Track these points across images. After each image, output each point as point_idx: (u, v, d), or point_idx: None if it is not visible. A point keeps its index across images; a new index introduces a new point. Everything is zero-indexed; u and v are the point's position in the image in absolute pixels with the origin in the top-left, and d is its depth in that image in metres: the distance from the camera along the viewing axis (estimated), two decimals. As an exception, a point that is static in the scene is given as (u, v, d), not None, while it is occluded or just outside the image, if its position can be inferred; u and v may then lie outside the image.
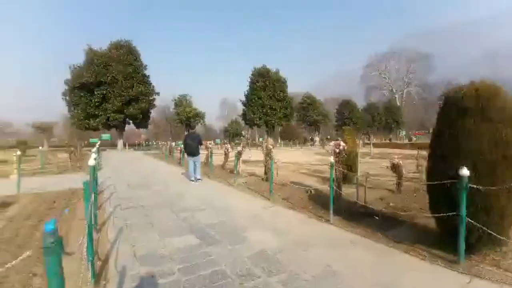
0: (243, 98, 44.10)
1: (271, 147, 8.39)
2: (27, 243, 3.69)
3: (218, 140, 40.00)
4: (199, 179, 8.74)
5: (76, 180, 7.51)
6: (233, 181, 8.12)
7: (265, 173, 8.44)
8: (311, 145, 42.47)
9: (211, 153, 11.61)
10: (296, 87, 63.43)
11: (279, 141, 43.81)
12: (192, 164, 8.77)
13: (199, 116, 41.02)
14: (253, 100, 41.76)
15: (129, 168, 12.68)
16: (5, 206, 5.52)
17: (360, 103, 61.93)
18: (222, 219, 4.61)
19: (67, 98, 31.45)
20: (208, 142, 15.33)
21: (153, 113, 41.70)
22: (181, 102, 41.14)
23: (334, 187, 4.89)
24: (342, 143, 5.68)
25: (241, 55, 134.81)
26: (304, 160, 15.96)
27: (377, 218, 4.45)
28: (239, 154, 9.70)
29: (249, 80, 43.42)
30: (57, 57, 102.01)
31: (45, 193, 6.83)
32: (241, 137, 66.86)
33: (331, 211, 4.44)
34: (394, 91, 69.49)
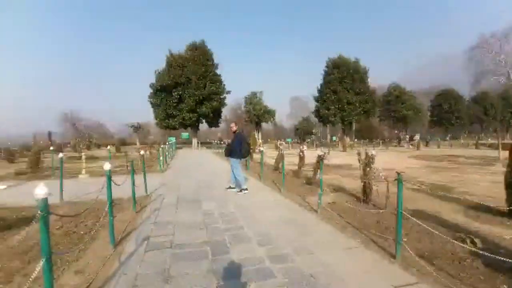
0: (316, 94, 40.45)
1: (373, 153, 5.43)
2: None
3: (289, 139, 37.53)
4: (244, 190, 6.79)
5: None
6: (315, 201, 5.52)
7: (364, 191, 5.53)
8: (397, 145, 35.57)
9: (282, 156, 9.30)
10: (377, 79, 55.25)
11: (354, 139, 38.35)
12: (239, 170, 7.05)
13: (269, 113, 39.44)
14: (327, 95, 37.67)
15: (190, 171, 11.51)
16: (22, 224, 4.38)
17: (462, 94, 49.52)
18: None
19: (152, 100, 34.42)
20: (279, 141, 13.01)
21: (225, 112, 42.47)
22: (252, 100, 40.33)
23: None
24: None
25: (314, 49, 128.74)
26: (403, 166, 11.95)
27: None
28: (320, 160, 7.02)
29: (322, 72, 39.48)
30: (146, 63, 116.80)
31: (82, 204, 5.72)
32: (312, 135, 62.76)
33: None
34: (514, 76, 53.20)
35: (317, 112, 39.87)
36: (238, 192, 6.69)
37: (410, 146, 28.89)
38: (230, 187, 6.99)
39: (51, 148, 16.04)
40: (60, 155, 6.91)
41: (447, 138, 44.88)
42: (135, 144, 40.54)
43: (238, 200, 6.04)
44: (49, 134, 41.53)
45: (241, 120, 49.77)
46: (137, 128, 43.05)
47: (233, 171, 6.86)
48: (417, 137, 28.85)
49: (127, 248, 3.48)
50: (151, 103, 34.38)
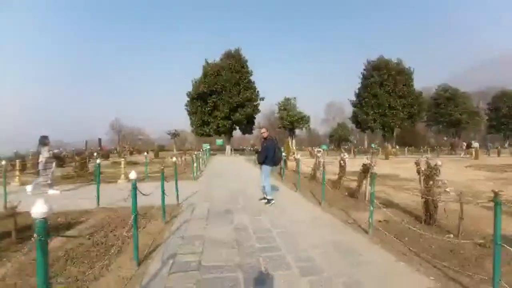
0: (353, 98, 38.40)
1: (439, 163, 4.50)
2: None
3: (324, 146, 35.88)
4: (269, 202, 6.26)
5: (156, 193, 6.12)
6: (362, 218, 4.71)
7: (426, 210, 4.57)
8: (450, 153, 31.87)
9: (322, 165, 8.54)
10: (423, 82, 50.86)
11: (396, 146, 35.26)
12: (269, 179, 6.48)
13: (303, 119, 38.37)
14: (366, 99, 35.48)
15: (223, 179, 11.22)
16: (63, 229, 4.31)
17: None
18: None
19: (188, 108, 35.69)
20: (315, 148, 12.20)
21: (258, 119, 42.38)
22: (285, 106, 39.68)
23: None
24: None
25: (351, 52, 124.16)
26: (465, 178, 10.28)
27: None
28: (366, 170, 6.16)
29: (361, 76, 37.43)
30: (186, 73, 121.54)
31: (116, 209, 5.62)
32: (348, 142, 59.73)
33: None
34: None
35: (354, 118, 37.74)
36: (266, 203, 6.17)
37: (467, 154, 25.59)
38: (265, 198, 6.46)
39: (95, 154, 17.04)
40: (98, 161, 7.02)
41: (506, 145, 39.30)
42: (173, 150, 42.38)
43: (273, 213, 5.47)
44: (100, 141, 45.36)
45: (274, 126, 49.40)
46: (174, 135, 44.94)
47: (263, 179, 6.37)
48: (476, 144, 25.45)
49: (151, 268, 3.11)
50: (188, 110, 35.61)
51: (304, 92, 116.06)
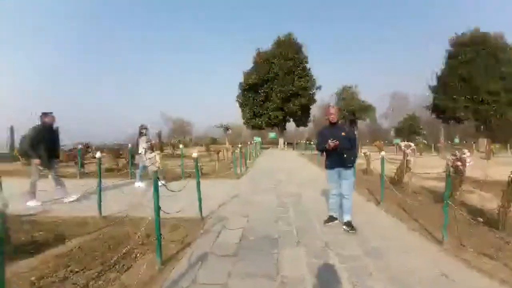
0: (432, 83, 31.62)
1: None
2: None
3: (397, 140, 30.03)
4: (349, 226, 3.67)
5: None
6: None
7: None
8: None
9: (406, 165, 5.68)
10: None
11: (492, 142, 27.42)
12: (336, 188, 3.88)
13: (367, 110, 33.34)
14: (452, 83, 28.67)
15: (272, 179, 8.98)
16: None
17: None
18: None
19: (239, 100, 34.56)
20: (402, 143, 9.02)
21: (314, 110, 38.83)
22: (345, 95, 35.17)
23: None
24: None
25: (418, 28, 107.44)
26: None
27: None
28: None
29: (445, 54, 30.45)
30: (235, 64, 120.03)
31: (127, 221, 3.92)
32: (417, 136, 50.87)
33: None
34: None
35: (434, 106, 30.98)
36: (346, 228, 3.68)
37: None
38: (331, 219, 4.01)
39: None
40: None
41: None
42: (225, 144, 42.19)
43: (355, 254, 2.99)
44: (159, 134, 48.21)
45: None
46: (226, 128, 44.80)
47: (336, 188, 3.90)
48: None
49: None
50: (239, 102, 34.51)
51: (365, 82, 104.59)
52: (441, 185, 6.50)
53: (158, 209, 2.83)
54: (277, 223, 4.11)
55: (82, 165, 9.91)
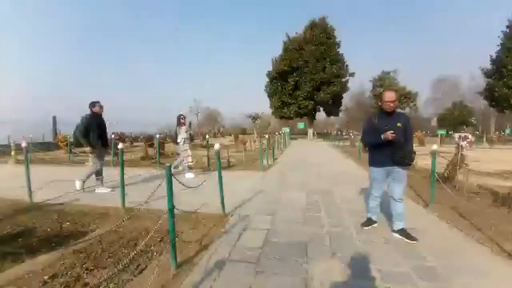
0: (487, 67, 27.89)
1: None
2: None
3: (441, 131, 25.86)
4: (406, 235, 3.07)
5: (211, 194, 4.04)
6: None
7: None
8: None
9: (462, 161, 4.81)
10: None
11: None
12: (380, 189, 3.31)
13: (408, 96, 30.46)
14: (510, 66, 25.05)
15: (300, 173, 8.46)
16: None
17: None
18: None
19: (267, 89, 33.81)
20: (455, 134, 7.93)
21: (345, 99, 36.74)
22: (383, 81, 32.56)
23: None
24: None
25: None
26: None
27: None
28: None
29: (502, 35, 26.58)
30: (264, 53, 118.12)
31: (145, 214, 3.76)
32: (465, 126, 45.88)
33: None
34: None
35: (489, 92, 27.42)
36: (400, 236, 3.10)
37: None
38: (370, 222, 3.45)
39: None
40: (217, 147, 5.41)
41: None
42: (253, 133, 42.08)
43: (401, 272, 2.42)
44: (190, 124, 49.57)
45: (364, 109, 42.13)
46: (254, 118, 44.54)
47: (380, 190, 3.33)
48: None
49: None
50: (267, 92, 33.80)
51: (402, 67, 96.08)
52: (504, 184, 5.50)
53: (172, 208, 2.53)
54: (306, 225, 3.65)
55: (116, 154, 10.26)
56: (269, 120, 62.04)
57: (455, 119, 46.33)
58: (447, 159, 6.10)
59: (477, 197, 4.91)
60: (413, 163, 3.22)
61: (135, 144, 22.67)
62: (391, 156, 3.03)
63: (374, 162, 3.25)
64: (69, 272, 2.53)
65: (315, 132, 32.57)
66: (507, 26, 26.86)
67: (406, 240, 3.03)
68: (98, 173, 5.52)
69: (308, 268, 2.50)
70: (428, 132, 37.91)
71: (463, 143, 5.74)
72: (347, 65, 30.03)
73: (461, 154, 5.73)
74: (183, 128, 7.08)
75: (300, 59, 28.99)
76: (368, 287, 2.21)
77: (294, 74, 29.80)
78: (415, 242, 2.98)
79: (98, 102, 5.42)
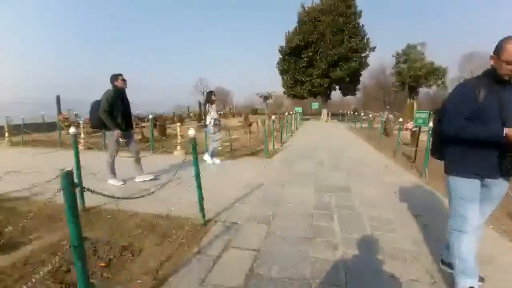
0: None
1: None
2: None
3: None
4: None
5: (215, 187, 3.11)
6: None
7: None
8: None
9: None
10: None
11: None
12: (476, 218, 1.81)
13: (437, 73, 27.50)
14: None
15: (311, 162, 7.34)
16: None
17: None
18: None
19: (280, 67, 31.82)
20: None
21: (364, 77, 34.15)
22: (409, 55, 29.60)
23: None
24: None
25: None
26: None
27: None
28: None
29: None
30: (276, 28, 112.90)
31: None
32: None
33: None
34: None
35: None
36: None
37: None
38: (445, 264, 2.22)
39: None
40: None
41: None
42: (264, 114, 40.54)
43: None
44: (200, 104, 48.13)
45: (385, 88, 39.20)
46: (266, 97, 42.85)
47: (475, 216, 1.87)
48: None
49: None
50: (279, 69, 31.84)
51: (429, 41, 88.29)
52: None
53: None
54: (311, 244, 2.64)
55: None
56: (282, 101, 59.80)
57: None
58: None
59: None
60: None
61: (143, 124, 22.15)
62: (498, 162, 1.76)
63: (464, 167, 1.86)
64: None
65: (329, 113, 30.69)
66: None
67: None
68: (138, 160, 4.70)
69: None
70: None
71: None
72: (368, 39, 27.38)
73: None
74: (213, 107, 5.99)
75: (316, 32, 26.61)
76: None
77: (309, 50, 27.56)
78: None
79: (121, 74, 4.37)
